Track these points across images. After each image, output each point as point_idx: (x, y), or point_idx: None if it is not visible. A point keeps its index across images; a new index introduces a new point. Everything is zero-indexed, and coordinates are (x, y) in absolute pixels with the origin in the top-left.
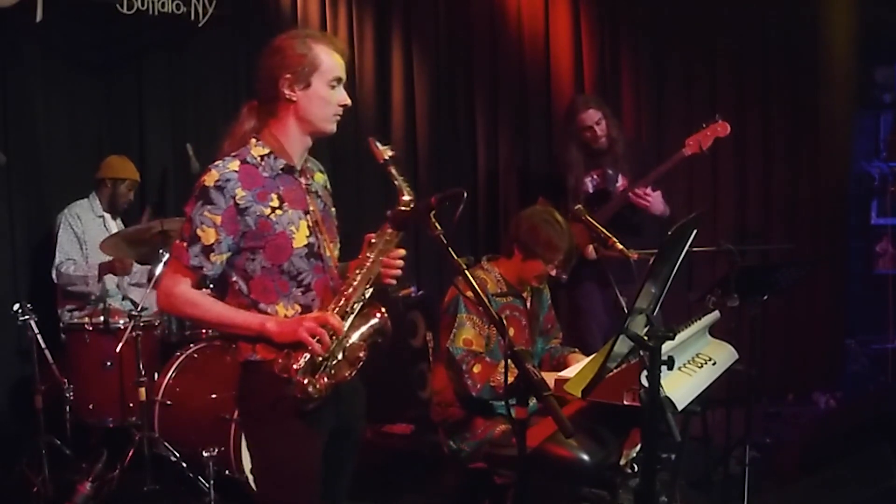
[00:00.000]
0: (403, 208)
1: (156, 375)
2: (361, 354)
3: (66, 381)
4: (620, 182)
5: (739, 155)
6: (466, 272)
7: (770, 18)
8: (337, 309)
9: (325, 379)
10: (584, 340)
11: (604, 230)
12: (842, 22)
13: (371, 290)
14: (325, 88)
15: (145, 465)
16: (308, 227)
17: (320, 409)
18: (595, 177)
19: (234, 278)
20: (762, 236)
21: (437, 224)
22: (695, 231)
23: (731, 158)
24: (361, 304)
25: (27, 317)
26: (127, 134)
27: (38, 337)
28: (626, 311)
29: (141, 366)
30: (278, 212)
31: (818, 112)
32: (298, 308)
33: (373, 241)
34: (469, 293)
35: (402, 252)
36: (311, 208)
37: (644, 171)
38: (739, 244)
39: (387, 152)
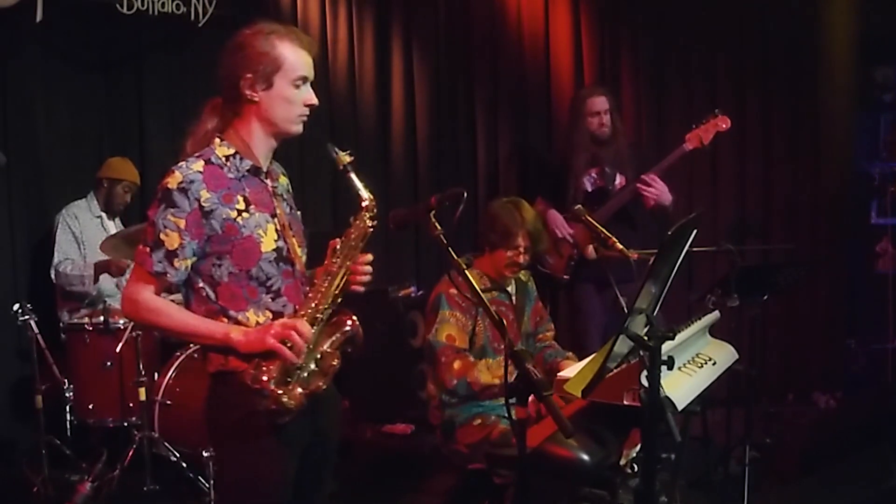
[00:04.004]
0: (368, 213)
1: (156, 375)
2: (335, 363)
3: (66, 381)
4: (619, 180)
5: (739, 155)
6: (466, 272)
7: (770, 19)
8: (306, 316)
9: (300, 389)
10: (582, 341)
11: (604, 230)
12: (841, 22)
13: (340, 297)
14: (288, 88)
15: (145, 465)
16: (276, 230)
17: (294, 424)
18: (593, 175)
19: (201, 284)
20: (762, 236)
21: (437, 224)
22: (695, 231)
23: (731, 158)
24: (331, 311)
25: (27, 317)
26: (127, 134)
27: (38, 337)
28: (626, 311)
29: (141, 366)
30: (245, 214)
31: (818, 112)
32: (270, 315)
33: (338, 246)
34: (453, 290)
35: (370, 257)
36: (277, 212)
37: (644, 171)
38: (739, 244)
39: (345, 158)
